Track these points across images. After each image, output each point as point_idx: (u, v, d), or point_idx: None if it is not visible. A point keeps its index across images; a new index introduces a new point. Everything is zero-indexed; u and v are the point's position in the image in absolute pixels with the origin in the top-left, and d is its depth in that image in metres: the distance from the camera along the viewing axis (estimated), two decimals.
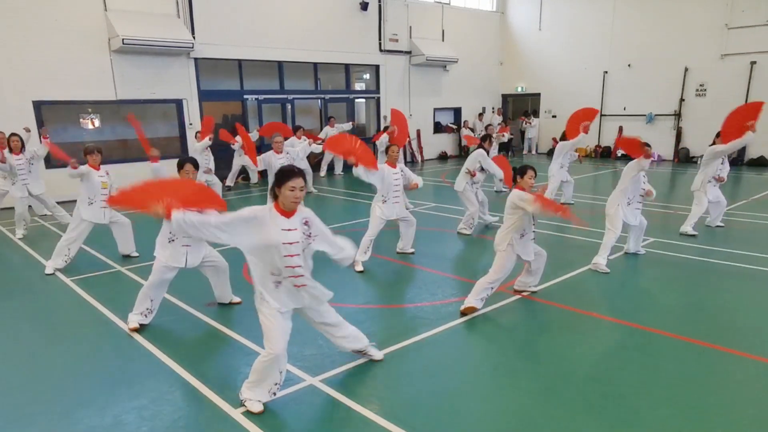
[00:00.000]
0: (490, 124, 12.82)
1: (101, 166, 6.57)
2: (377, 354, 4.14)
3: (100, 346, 4.53)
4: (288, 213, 3.32)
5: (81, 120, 12.35)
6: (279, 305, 3.40)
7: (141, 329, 4.75)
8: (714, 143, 7.78)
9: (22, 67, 10.63)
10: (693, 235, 7.67)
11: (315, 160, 13.79)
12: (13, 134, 7.91)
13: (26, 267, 6.88)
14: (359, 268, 6.39)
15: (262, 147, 12.83)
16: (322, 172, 14.72)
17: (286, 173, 3.27)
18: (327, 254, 3.63)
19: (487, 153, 8.07)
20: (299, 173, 3.29)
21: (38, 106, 10.98)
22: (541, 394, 3.67)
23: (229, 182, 12.69)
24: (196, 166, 4.94)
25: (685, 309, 5.21)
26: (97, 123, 12.59)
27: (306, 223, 3.41)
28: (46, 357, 4.36)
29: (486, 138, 8.33)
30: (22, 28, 10.53)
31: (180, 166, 4.90)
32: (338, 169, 15.05)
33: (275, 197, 3.33)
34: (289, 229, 3.30)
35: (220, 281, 5.21)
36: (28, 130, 8.26)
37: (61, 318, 5.27)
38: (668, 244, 7.37)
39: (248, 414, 3.43)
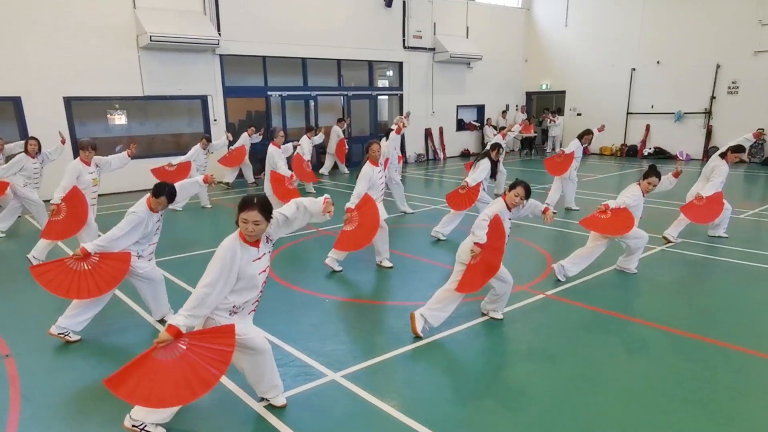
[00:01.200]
0: (503, 127, 12.41)
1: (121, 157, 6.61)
2: (279, 401, 3.51)
3: (125, 338, 4.61)
4: (254, 243, 3.15)
5: (108, 116, 12.58)
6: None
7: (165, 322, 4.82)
8: (725, 155, 7.25)
9: (54, 64, 10.87)
10: (723, 237, 7.49)
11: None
12: (31, 138, 7.90)
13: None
14: (336, 267, 6.29)
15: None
16: (326, 171, 14.38)
17: (243, 203, 3.05)
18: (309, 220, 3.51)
19: (495, 163, 7.74)
20: (255, 205, 3.01)
21: (68, 102, 11.23)
22: (563, 396, 3.63)
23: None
24: (171, 199, 4.44)
25: (712, 310, 5.09)
26: (123, 119, 12.81)
27: (268, 240, 3.27)
28: (72, 348, 4.45)
29: (495, 147, 7.89)
30: (54, 25, 10.76)
31: (157, 195, 4.35)
32: (342, 168, 14.81)
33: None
34: (258, 258, 3.17)
35: (157, 296, 4.84)
36: (63, 142, 8.31)
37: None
38: (696, 245, 7.21)
39: (271, 407, 3.45)
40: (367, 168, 6.01)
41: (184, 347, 2.93)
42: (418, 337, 4.46)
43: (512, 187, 4.62)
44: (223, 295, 3.06)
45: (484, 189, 7.67)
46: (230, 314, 3.17)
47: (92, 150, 6.37)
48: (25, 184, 7.89)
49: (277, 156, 8.31)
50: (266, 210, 3.07)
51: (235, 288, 3.12)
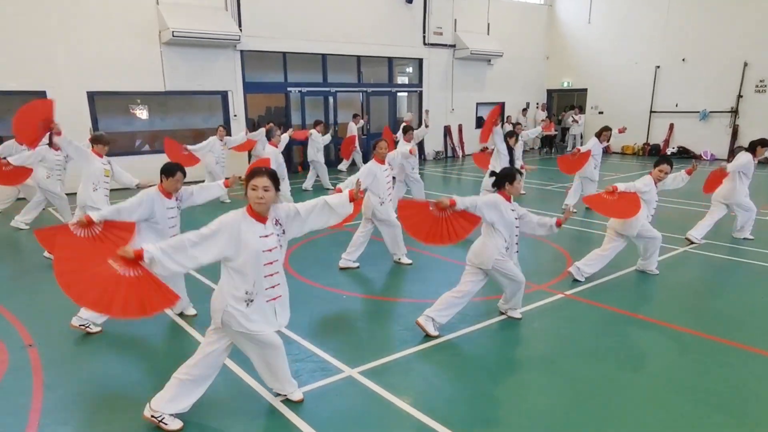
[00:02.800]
0: (518, 123, 12.32)
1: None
2: (297, 396, 3.51)
3: (146, 329, 4.66)
4: (261, 218, 3.09)
5: (130, 110, 12.75)
6: (247, 325, 3.10)
7: (184, 316, 4.87)
8: (755, 151, 7.15)
9: (78, 59, 11.04)
10: (749, 239, 7.33)
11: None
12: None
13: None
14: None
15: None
16: (343, 166, 14.29)
17: (252, 171, 3.03)
18: (328, 219, 3.42)
19: (511, 150, 7.78)
20: (264, 171, 3.02)
21: (92, 96, 11.40)
22: (581, 396, 3.58)
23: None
24: (184, 173, 4.43)
25: (735, 313, 4.98)
26: (145, 114, 12.97)
27: (277, 223, 3.17)
28: (94, 338, 4.52)
29: (512, 135, 7.98)
30: (79, 21, 10.93)
31: (171, 173, 4.33)
32: (343, 165, 14.76)
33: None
34: (266, 236, 3.07)
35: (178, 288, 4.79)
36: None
37: None
38: (720, 246, 7.07)
39: (288, 402, 3.46)
40: (372, 165, 6.00)
41: (141, 273, 2.94)
42: (434, 337, 4.44)
43: (511, 179, 4.39)
44: (210, 257, 2.97)
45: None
46: (247, 305, 3.07)
47: (105, 145, 6.38)
48: (47, 175, 8.00)
49: (273, 158, 8.45)
50: (275, 179, 3.06)
51: (238, 265, 3.02)
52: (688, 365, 4.00)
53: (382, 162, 6.08)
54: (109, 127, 12.06)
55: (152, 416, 3.18)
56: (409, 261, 6.44)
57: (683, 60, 16.62)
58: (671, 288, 5.68)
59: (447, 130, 17.85)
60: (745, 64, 15.42)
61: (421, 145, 16.89)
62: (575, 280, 5.73)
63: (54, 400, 3.56)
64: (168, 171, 4.32)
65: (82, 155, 6.31)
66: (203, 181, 10.06)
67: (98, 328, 4.56)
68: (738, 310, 5.08)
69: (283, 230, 3.22)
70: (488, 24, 17.82)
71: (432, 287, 5.70)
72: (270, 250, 3.09)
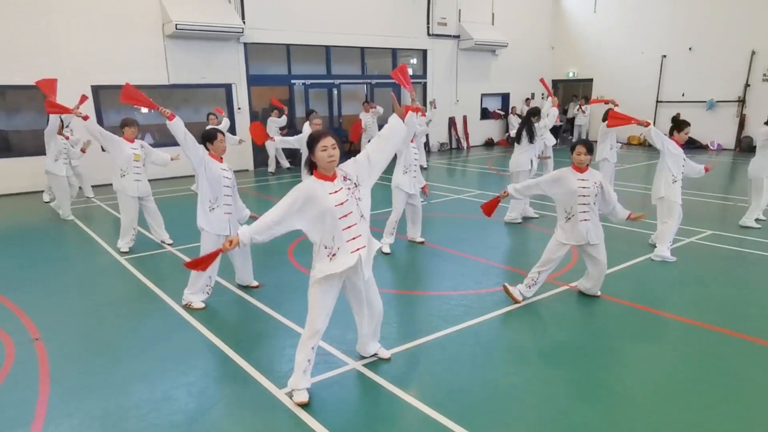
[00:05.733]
0: (513, 107, 12.03)
1: (138, 139, 6.76)
2: (385, 354, 3.96)
3: (152, 323, 4.68)
4: (329, 177, 3.27)
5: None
6: (333, 277, 3.33)
7: (190, 308, 4.89)
8: None
9: (83, 52, 11.04)
10: (756, 228, 7.28)
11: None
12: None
13: (82, 244, 7.19)
14: (386, 249, 6.51)
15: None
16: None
17: (315, 136, 3.23)
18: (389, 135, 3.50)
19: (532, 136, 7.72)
20: (328, 132, 3.27)
21: (96, 90, 11.39)
22: (587, 389, 3.57)
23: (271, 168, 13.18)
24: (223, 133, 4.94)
25: (743, 304, 4.94)
26: None
27: (345, 179, 3.31)
28: (100, 332, 4.54)
29: (536, 112, 7.90)
30: (84, 15, 10.92)
31: (213, 137, 4.76)
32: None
33: (311, 168, 3.31)
34: (335, 191, 3.24)
35: (246, 263, 5.31)
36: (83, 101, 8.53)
37: (113, 294, 5.46)
38: (727, 237, 7.01)
39: (290, 394, 3.46)
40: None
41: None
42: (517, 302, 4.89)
43: (572, 148, 4.68)
44: (291, 225, 3.25)
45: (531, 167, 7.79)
46: (330, 259, 3.28)
47: (135, 128, 6.62)
48: (56, 158, 8.29)
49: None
50: (335, 135, 3.30)
51: (313, 225, 3.27)
52: (694, 357, 3.97)
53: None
54: (113, 120, 12.06)
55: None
56: (422, 239, 6.86)
57: (690, 49, 16.45)
58: (677, 279, 5.64)
59: (452, 122, 17.77)
60: (753, 53, 15.25)
61: (425, 137, 16.85)
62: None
63: (60, 393, 3.57)
64: (208, 137, 4.75)
65: (113, 143, 6.43)
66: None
67: (202, 305, 4.92)
68: (744, 301, 5.04)
69: (356, 183, 3.33)
70: (493, 14, 17.69)
71: (438, 280, 5.69)
72: (341, 204, 3.23)
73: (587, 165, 4.66)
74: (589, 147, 4.59)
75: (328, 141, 3.21)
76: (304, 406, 3.35)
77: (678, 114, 6.32)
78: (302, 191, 3.22)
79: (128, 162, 6.50)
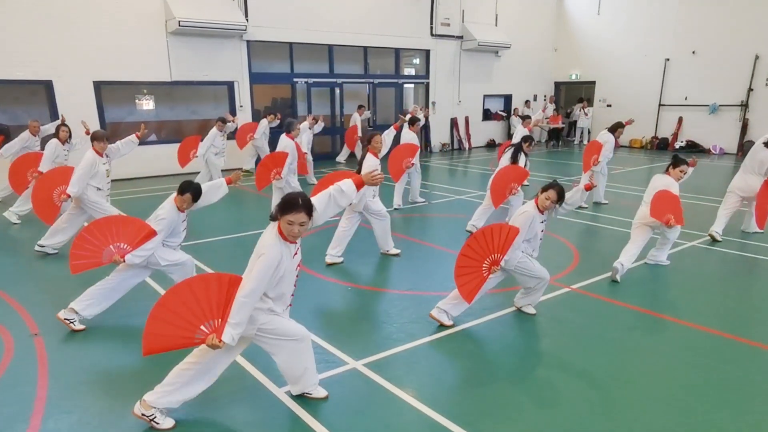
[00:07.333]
0: (528, 116, 11.70)
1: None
2: (320, 393, 3.48)
3: None
4: (293, 240, 3.07)
5: (137, 101, 12.74)
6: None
7: None
8: None
9: (85, 48, 11.01)
10: (759, 233, 7.26)
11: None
12: (63, 124, 8.12)
13: None
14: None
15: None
16: (342, 158, 14.68)
17: (288, 204, 2.93)
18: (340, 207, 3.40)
19: (526, 155, 7.43)
20: (301, 207, 2.93)
21: (98, 86, 11.38)
22: (588, 391, 3.55)
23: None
24: (196, 197, 4.44)
25: (745, 309, 4.94)
26: (151, 104, 12.95)
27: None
28: (99, 328, 4.53)
29: (528, 140, 7.56)
30: (86, 10, 10.89)
31: (181, 192, 4.37)
32: (341, 157, 14.80)
33: (276, 218, 3.02)
34: (295, 254, 3.12)
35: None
36: (87, 133, 8.45)
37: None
38: (731, 241, 7.00)
39: (290, 393, 3.46)
40: (372, 159, 6.01)
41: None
42: (448, 327, 4.47)
43: (544, 189, 4.45)
44: (259, 296, 3.00)
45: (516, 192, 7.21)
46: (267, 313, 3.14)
47: (106, 141, 6.35)
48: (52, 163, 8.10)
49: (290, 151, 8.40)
50: (310, 209, 3.02)
51: (274, 287, 3.08)
52: (696, 362, 3.96)
53: (377, 155, 6.11)
54: (115, 117, 12.08)
55: (142, 414, 3.10)
56: (398, 251, 6.46)
57: (693, 53, 16.44)
58: (678, 283, 5.64)
59: (454, 122, 17.76)
60: (756, 57, 15.23)
61: (427, 137, 16.86)
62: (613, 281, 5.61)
63: (59, 389, 3.57)
64: (182, 189, 4.36)
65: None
66: (199, 173, 10.15)
67: (82, 327, 4.45)
68: (747, 306, 5.04)
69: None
70: (496, 15, 17.67)
71: (438, 280, 5.68)
72: (299, 265, 3.18)
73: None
74: (561, 197, 4.41)
75: (298, 218, 2.92)
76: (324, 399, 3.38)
77: (681, 118, 6.14)
78: (273, 261, 2.94)
79: (102, 179, 6.33)
